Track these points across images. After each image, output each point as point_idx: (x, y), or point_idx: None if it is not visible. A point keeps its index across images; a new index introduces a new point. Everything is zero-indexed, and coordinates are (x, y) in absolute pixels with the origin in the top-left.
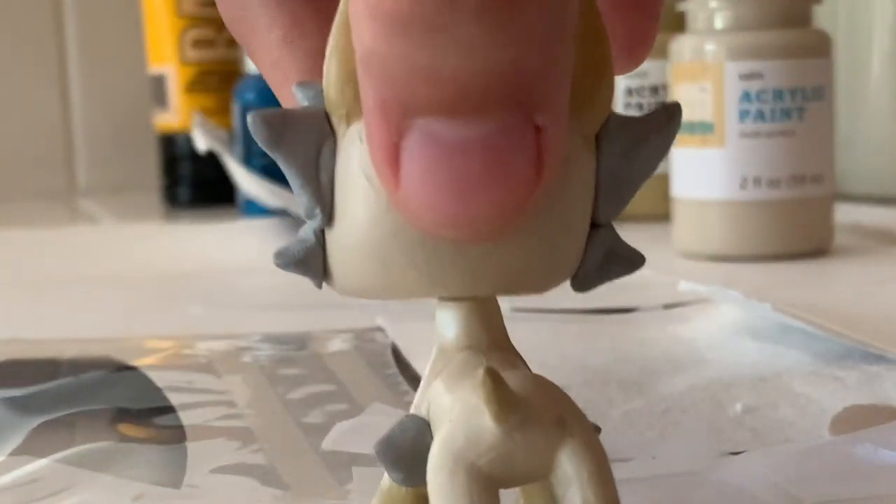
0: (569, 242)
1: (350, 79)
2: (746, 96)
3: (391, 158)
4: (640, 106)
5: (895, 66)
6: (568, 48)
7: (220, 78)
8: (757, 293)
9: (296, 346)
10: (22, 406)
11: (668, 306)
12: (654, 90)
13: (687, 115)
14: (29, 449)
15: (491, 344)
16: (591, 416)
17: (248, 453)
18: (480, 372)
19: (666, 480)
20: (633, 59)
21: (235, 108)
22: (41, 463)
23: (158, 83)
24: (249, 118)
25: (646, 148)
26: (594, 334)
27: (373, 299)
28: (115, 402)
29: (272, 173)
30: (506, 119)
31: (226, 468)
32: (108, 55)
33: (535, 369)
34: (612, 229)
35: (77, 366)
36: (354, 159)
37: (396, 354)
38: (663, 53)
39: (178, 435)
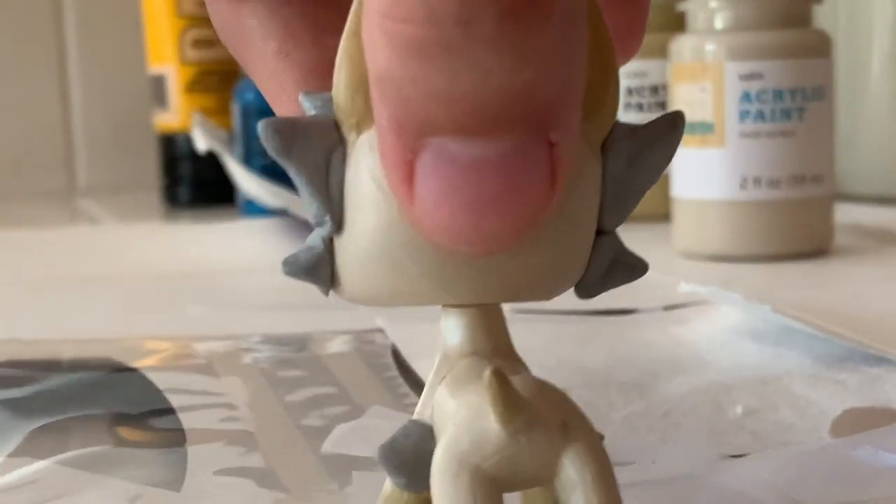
0: (576, 250)
1: (360, 87)
2: (746, 96)
3: (406, 177)
4: (640, 106)
5: (895, 66)
6: (582, 65)
7: (220, 78)
8: (757, 293)
9: (296, 348)
10: (21, 408)
11: (668, 308)
12: (654, 90)
13: (687, 115)
14: (28, 451)
15: (495, 350)
16: (592, 419)
17: (248, 456)
18: (487, 373)
19: (667, 484)
20: (626, 53)
21: (235, 108)
22: (40, 465)
23: (158, 83)
24: (260, 127)
25: (651, 156)
26: (594, 336)
27: (381, 306)
28: (114, 404)
29: (272, 173)
30: (521, 138)
31: (225, 471)
32: (108, 55)
33: (534, 370)
34: (617, 237)
35: (76, 366)
36: (364, 168)
37: (396, 356)
38: (663, 53)
39: (177, 438)
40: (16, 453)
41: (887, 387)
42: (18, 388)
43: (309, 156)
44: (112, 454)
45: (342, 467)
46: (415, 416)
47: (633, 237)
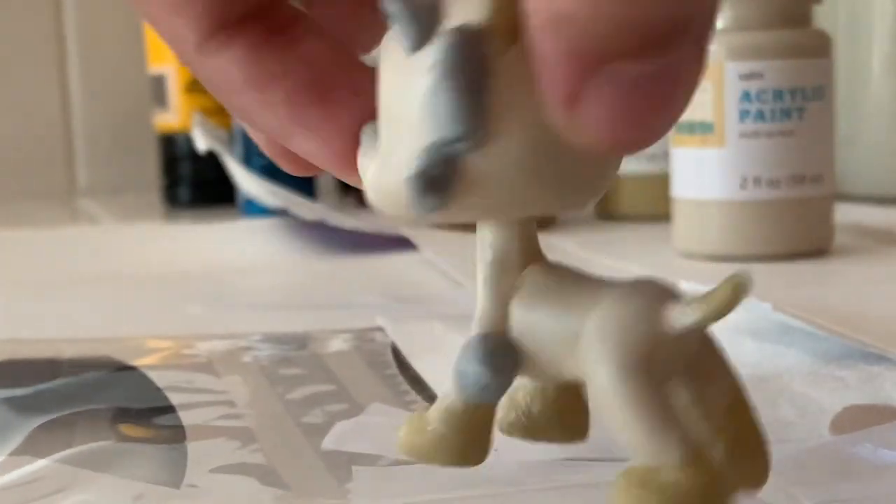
0: None
1: (509, 2)
2: (746, 96)
3: (572, 102)
4: None
5: (895, 66)
6: None
7: None
8: (757, 293)
9: (296, 346)
10: (22, 406)
11: None
12: None
13: (687, 115)
14: (29, 449)
15: (540, 258)
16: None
17: (248, 453)
18: (733, 280)
19: None
20: None
21: None
22: (41, 463)
23: (158, 83)
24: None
25: None
26: None
27: (494, 219)
28: (114, 401)
29: (272, 173)
30: (685, 50)
31: (226, 468)
32: (108, 55)
33: None
34: None
35: (77, 366)
36: (507, 78)
37: (396, 354)
38: None
39: (178, 435)
40: (17, 451)
41: (887, 384)
42: (19, 387)
43: (464, 68)
44: (113, 451)
45: (342, 464)
46: (473, 325)
47: (633, 237)
